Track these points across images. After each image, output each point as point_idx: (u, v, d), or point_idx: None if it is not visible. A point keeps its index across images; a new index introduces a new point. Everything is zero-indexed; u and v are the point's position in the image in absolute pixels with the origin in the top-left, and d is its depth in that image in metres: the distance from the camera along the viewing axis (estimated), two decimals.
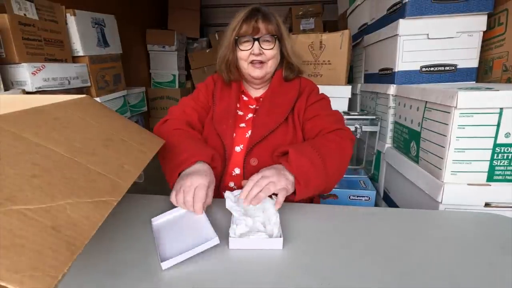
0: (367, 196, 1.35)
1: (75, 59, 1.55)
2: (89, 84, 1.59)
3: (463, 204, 0.89)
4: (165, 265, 0.47)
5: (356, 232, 0.59)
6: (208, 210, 0.63)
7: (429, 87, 1.01)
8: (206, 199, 0.61)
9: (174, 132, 0.77)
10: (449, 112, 0.87)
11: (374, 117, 1.46)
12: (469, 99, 0.82)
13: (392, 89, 1.31)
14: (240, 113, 0.84)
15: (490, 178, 0.88)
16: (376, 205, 1.42)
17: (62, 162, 0.37)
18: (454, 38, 1.18)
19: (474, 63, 1.20)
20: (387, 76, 1.37)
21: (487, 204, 0.88)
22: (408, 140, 1.17)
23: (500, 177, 0.88)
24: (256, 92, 0.89)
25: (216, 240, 0.51)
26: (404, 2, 1.17)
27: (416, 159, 1.10)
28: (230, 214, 0.60)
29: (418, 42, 1.21)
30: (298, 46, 1.41)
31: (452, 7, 1.14)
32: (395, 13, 1.26)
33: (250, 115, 0.83)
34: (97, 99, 1.62)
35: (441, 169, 0.91)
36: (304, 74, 0.92)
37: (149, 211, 0.66)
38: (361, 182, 1.44)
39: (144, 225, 0.61)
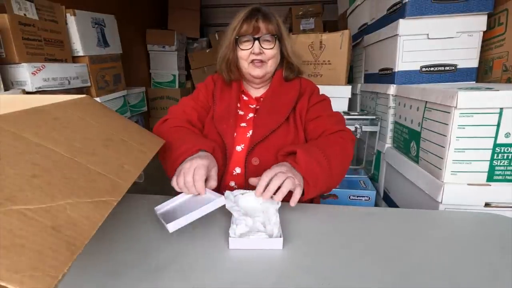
0: (367, 196, 1.36)
1: (75, 59, 1.55)
2: (89, 84, 1.59)
3: (463, 204, 0.89)
4: (171, 227, 0.47)
5: (356, 232, 0.59)
6: None
7: (429, 87, 1.01)
8: (209, 182, 0.61)
9: (174, 130, 0.77)
10: (449, 112, 0.87)
11: (374, 117, 1.46)
12: (469, 99, 0.82)
13: (392, 89, 1.31)
14: (241, 112, 0.84)
15: (490, 178, 0.88)
16: (376, 205, 1.43)
17: (62, 162, 0.37)
18: (454, 38, 1.18)
19: (474, 63, 1.20)
20: (387, 76, 1.37)
21: (487, 204, 0.88)
22: (408, 140, 1.17)
23: (500, 177, 0.88)
24: (256, 92, 0.90)
25: (222, 200, 0.50)
26: (404, 2, 1.17)
27: (416, 159, 1.10)
28: (230, 214, 0.60)
29: (418, 42, 1.21)
30: (298, 46, 1.42)
31: (452, 7, 1.14)
32: (395, 13, 1.26)
33: (251, 114, 0.84)
34: (97, 99, 1.62)
35: (441, 169, 0.91)
36: (304, 74, 0.92)
37: (149, 211, 0.66)
38: (361, 182, 1.44)
39: (144, 225, 0.61)
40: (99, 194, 0.36)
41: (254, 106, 0.86)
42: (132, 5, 2.63)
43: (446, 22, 1.16)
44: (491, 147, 0.86)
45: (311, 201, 0.84)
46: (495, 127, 0.84)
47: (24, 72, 1.22)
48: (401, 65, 1.26)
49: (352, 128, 1.38)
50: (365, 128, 1.43)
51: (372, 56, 1.61)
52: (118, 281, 0.45)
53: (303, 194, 0.63)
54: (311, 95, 0.85)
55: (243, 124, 0.81)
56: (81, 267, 0.48)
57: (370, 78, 1.66)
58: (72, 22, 1.49)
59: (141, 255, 0.51)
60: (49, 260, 0.26)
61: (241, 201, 0.63)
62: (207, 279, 0.46)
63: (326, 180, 0.66)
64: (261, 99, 0.87)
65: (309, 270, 0.48)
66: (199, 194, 0.59)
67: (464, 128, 0.85)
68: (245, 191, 0.65)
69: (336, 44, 1.51)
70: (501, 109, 0.82)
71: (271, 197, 0.63)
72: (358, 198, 1.36)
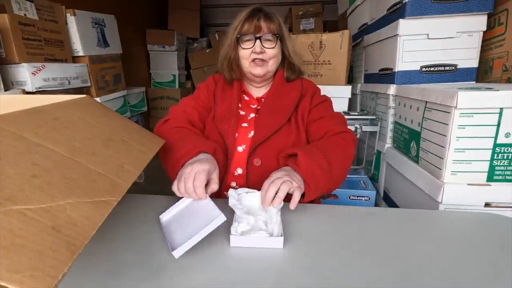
0: (367, 196, 1.36)
1: (75, 59, 1.55)
2: (89, 84, 1.59)
3: (463, 204, 0.89)
4: (176, 253, 0.48)
5: (356, 232, 0.59)
6: None
7: (429, 87, 1.01)
8: (211, 185, 0.61)
9: (175, 130, 0.77)
10: (449, 112, 0.87)
11: (374, 117, 1.46)
12: (469, 99, 0.82)
13: (392, 89, 1.31)
14: (242, 112, 0.84)
15: (490, 178, 0.88)
16: (376, 205, 1.43)
17: (62, 162, 0.37)
18: (454, 38, 1.18)
19: (474, 63, 1.20)
20: (387, 76, 1.37)
21: (487, 204, 0.88)
22: (408, 140, 1.17)
23: (500, 177, 0.88)
24: (258, 92, 0.89)
25: (222, 218, 0.50)
26: (404, 2, 1.17)
27: (416, 159, 1.10)
28: (232, 212, 0.60)
29: (418, 42, 1.21)
30: (298, 46, 1.41)
31: (452, 7, 1.14)
32: (395, 13, 1.26)
33: (252, 115, 0.84)
34: (97, 99, 1.62)
35: (441, 169, 0.91)
36: (304, 74, 0.92)
37: (149, 211, 0.66)
38: (361, 182, 1.44)
39: (144, 225, 0.61)
40: (99, 194, 0.36)
41: (255, 106, 0.86)
42: (132, 5, 2.63)
43: (446, 22, 1.16)
44: (491, 147, 0.86)
45: (311, 201, 0.84)
46: (495, 127, 0.84)
47: (24, 72, 1.22)
48: (401, 65, 1.26)
49: (352, 128, 1.38)
50: (365, 128, 1.43)
51: (372, 56, 1.61)
52: (118, 281, 0.45)
53: (303, 196, 0.63)
54: (313, 96, 0.86)
55: (245, 125, 0.81)
56: (81, 267, 0.48)
57: (370, 78, 1.66)
58: (72, 22, 1.49)
59: (141, 255, 0.51)
60: (49, 260, 0.26)
61: (244, 199, 0.64)
62: (208, 279, 0.46)
63: (327, 182, 0.67)
64: (262, 99, 0.87)
65: (309, 269, 0.48)
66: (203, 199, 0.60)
67: (464, 128, 0.85)
68: (249, 190, 0.65)
69: (336, 44, 1.51)
70: (501, 109, 0.82)
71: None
72: (358, 198, 1.36)
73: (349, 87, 1.56)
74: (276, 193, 0.58)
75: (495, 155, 0.86)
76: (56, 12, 1.41)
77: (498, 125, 0.84)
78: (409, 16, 1.17)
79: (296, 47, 0.88)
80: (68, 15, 1.48)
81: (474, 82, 1.22)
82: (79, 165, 0.38)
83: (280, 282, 0.45)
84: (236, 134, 0.79)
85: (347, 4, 2.08)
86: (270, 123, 0.79)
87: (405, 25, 1.19)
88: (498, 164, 0.87)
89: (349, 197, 1.36)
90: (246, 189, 0.66)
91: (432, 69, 1.23)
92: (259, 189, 0.64)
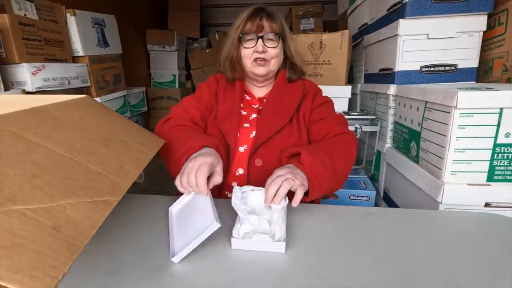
0: (367, 196, 1.36)
1: (75, 59, 1.55)
2: (89, 84, 1.59)
3: (463, 204, 0.89)
4: (175, 259, 0.49)
5: (356, 232, 0.59)
6: None
7: (429, 87, 1.01)
8: (214, 178, 0.60)
9: (176, 128, 0.77)
10: (449, 112, 0.87)
11: (374, 117, 1.46)
12: (469, 99, 0.82)
13: (392, 89, 1.31)
14: (244, 113, 0.84)
15: (490, 178, 0.88)
16: (376, 205, 1.43)
17: (62, 162, 0.37)
18: (454, 38, 1.18)
19: (474, 63, 1.20)
20: (387, 76, 1.37)
21: (487, 204, 0.88)
22: (408, 140, 1.17)
23: (500, 177, 0.88)
24: (259, 92, 0.89)
25: (215, 226, 0.50)
26: (404, 2, 1.17)
27: (416, 159, 1.10)
28: (233, 212, 0.59)
29: (418, 42, 1.21)
30: (298, 46, 1.41)
31: (452, 7, 1.14)
32: (395, 13, 1.26)
33: (254, 115, 0.84)
34: (97, 99, 1.62)
35: (441, 169, 0.91)
36: (305, 74, 0.92)
37: (149, 211, 0.67)
38: (361, 182, 1.44)
39: (144, 225, 0.61)
40: (99, 194, 0.36)
41: (257, 106, 0.86)
42: (132, 5, 2.63)
43: (446, 22, 1.16)
44: (491, 147, 0.86)
45: (312, 201, 0.84)
46: (495, 127, 0.84)
47: (24, 72, 1.22)
48: (401, 65, 1.26)
49: (352, 128, 1.38)
50: (365, 128, 1.43)
51: (372, 56, 1.61)
52: (118, 281, 0.45)
53: (307, 194, 0.63)
54: (315, 96, 0.86)
55: (246, 125, 0.81)
56: (81, 267, 0.48)
57: (370, 78, 1.66)
58: (72, 22, 1.49)
59: (141, 255, 0.51)
60: (49, 260, 0.26)
61: (249, 198, 0.62)
62: (208, 279, 0.46)
63: (330, 181, 0.66)
64: (264, 99, 0.87)
65: (309, 269, 0.48)
66: (204, 193, 0.59)
67: (464, 128, 0.85)
68: (255, 187, 0.64)
69: (336, 44, 1.51)
70: (501, 109, 0.82)
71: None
72: (358, 198, 1.36)
73: (349, 87, 1.56)
74: (277, 191, 0.58)
75: (495, 155, 0.86)
76: (56, 12, 1.41)
77: (498, 125, 0.84)
78: (409, 16, 1.17)
79: (298, 47, 0.88)
80: (68, 15, 1.48)
81: (474, 82, 1.22)
82: (79, 165, 0.38)
83: (280, 282, 0.45)
84: (238, 134, 0.79)
85: (347, 4, 2.08)
86: (272, 123, 0.79)
87: (405, 25, 1.19)
88: (498, 164, 0.87)
89: (349, 197, 1.36)
90: (252, 187, 0.65)
91: (432, 69, 1.23)
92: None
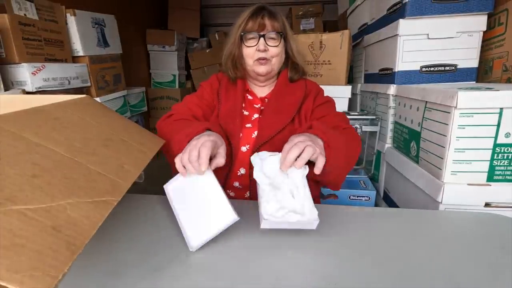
0: (367, 196, 1.35)
1: (75, 59, 1.55)
2: (89, 84, 1.59)
3: (463, 204, 0.88)
4: (193, 248, 0.51)
5: (356, 232, 0.59)
6: None
7: (429, 87, 1.01)
8: (217, 159, 0.58)
9: (178, 121, 0.77)
10: (449, 112, 0.87)
11: (374, 117, 1.46)
12: (469, 99, 0.82)
13: (392, 89, 1.31)
14: (246, 113, 0.84)
15: (490, 178, 0.88)
16: (376, 205, 1.42)
17: (62, 162, 0.37)
18: (454, 38, 1.18)
19: (474, 63, 1.20)
20: (387, 76, 1.37)
21: (487, 204, 0.88)
22: (408, 140, 1.17)
23: (500, 177, 0.88)
24: (261, 91, 0.89)
25: (234, 218, 0.52)
26: (404, 2, 1.17)
27: (416, 159, 1.10)
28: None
29: (418, 42, 1.21)
30: (300, 45, 1.41)
31: (452, 7, 1.14)
32: (395, 13, 1.26)
33: (256, 115, 0.84)
34: (97, 99, 1.62)
35: (441, 169, 0.91)
36: (307, 74, 0.92)
37: (149, 211, 0.67)
38: (361, 182, 1.44)
39: (144, 225, 0.61)
40: (99, 194, 0.36)
41: (259, 106, 0.86)
42: (132, 5, 2.63)
43: (446, 22, 1.16)
44: (491, 147, 0.86)
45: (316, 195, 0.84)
46: (495, 127, 0.84)
47: (24, 72, 1.22)
48: (401, 65, 1.25)
49: None
50: (365, 128, 1.43)
51: (372, 56, 1.61)
52: (118, 281, 0.45)
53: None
54: (316, 96, 0.85)
55: (248, 125, 0.81)
56: (81, 267, 0.48)
57: (370, 78, 1.66)
58: (72, 22, 1.49)
59: (141, 255, 0.51)
60: (49, 260, 0.26)
61: (265, 164, 0.58)
62: (207, 279, 0.46)
63: (344, 149, 0.64)
64: (266, 99, 0.87)
65: (309, 270, 0.48)
66: (204, 166, 0.56)
67: (464, 128, 0.85)
68: (273, 152, 0.61)
69: (336, 44, 1.51)
70: (501, 109, 0.82)
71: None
72: (358, 198, 1.36)
73: (349, 87, 1.55)
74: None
75: (495, 155, 0.86)
76: (56, 12, 1.41)
77: (498, 125, 0.84)
78: (409, 16, 1.17)
79: (300, 46, 0.88)
80: (68, 15, 1.48)
81: (474, 82, 1.22)
82: (79, 165, 0.38)
83: (280, 282, 0.45)
84: (241, 134, 0.79)
85: (347, 4, 2.08)
86: (274, 123, 0.79)
87: (405, 25, 1.19)
88: (498, 164, 0.87)
89: (349, 197, 1.36)
90: (270, 152, 0.61)
91: (432, 69, 1.23)
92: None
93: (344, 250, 0.53)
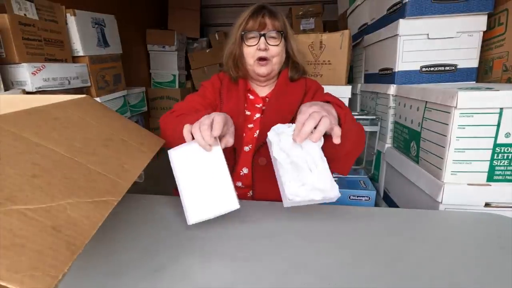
0: (367, 196, 1.35)
1: (75, 59, 1.55)
2: (89, 84, 1.59)
3: (463, 204, 0.88)
4: (190, 221, 0.53)
5: (356, 232, 0.59)
6: None
7: (429, 87, 1.01)
8: (226, 138, 0.58)
9: (182, 116, 0.76)
10: (449, 112, 0.87)
11: (374, 117, 1.46)
12: (469, 99, 0.82)
13: (392, 89, 1.31)
14: (248, 113, 0.84)
15: (490, 178, 0.88)
16: (376, 205, 1.42)
17: (62, 162, 0.37)
18: (454, 38, 1.17)
19: (474, 63, 1.20)
20: (387, 76, 1.37)
21: (487, 204, 0.88)
22: (408, 140, 1.17)
23: (500, 177, 0.88)
24: (262, 91, 0.90)
25: (234, 205, 0.53)
26: (404, 2, 1.17)
27: (416, 159, 1.10)
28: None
29: (418, 42, 1.21)
30: (300, 45, 1.42)
31: (452, 7, 1.13)
32: (395, 13, 1.26)
33: (258, 115, 0.84)
34: (97, 99, 1.62)
35: (441, 169, 0.91)
36: (307, 74, 0.93)
37: (149, 211, 0.66)
38: (361, 182, 1.44)
39: (144, 225, 0.61)
40: (99, 194, 0.36)
41: (260, 105, 0.86)
42: (132, 5, 2.63)
43: (446, 22, 1.16)
44: (491, 147, 0.86)
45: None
46: (495, 127, 0.84)
47: (24, 72, 1.22)
48: (401, 65, 1.25)
49: None
50: (365, 128, 1.43)
51: (372, 56, 1.61)
52: (118, 281, 0.45)
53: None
54: (315, 92, 0.86)
55: (251, 125, 0.82)
56: (81, 267, 0.48)
57: (370, 78, 1.66)
58: (72, 22, 1.49)
59: (141, 255, 0.51)
60: (49, 260, 0.26)
61: (283, 138, 0.56)
62: (207, 279, 0.46)
63: (356, 126, 0.63)
64: (267, 98, 0.87)
65: (309, 270, 0.48)
66: (217, 133, 0.54)
67: (464, 128, 0.85)
68: (288, 124, 0.58)
69: (336, 44, 1.51)
70: (501, 109, 0.82)
71: None
72: (358, 198, 1.36)
73: (349, 87, 1.55)
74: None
75: (495, 155, 0.86)
76: (56, 12, 1.41)
77: (498, 125, 0.84)
78: (409, 16, 1.17)
79: (300, 46, 0.88)
80: (68, 15, 1.48)
81: (474, 82, 1.22)
82: (79, 165, 0.38)
83: (280, 282, 0.45)
84: (244, 135, 0.79)
85: (347, 4, 2.08)
86: (275, 123, 0.78)
87: (405, 25, 1.19)
88: (498, 164, 0.87)
89: (349, 197, 1.36)
90: (287, 124, 0.58)
91: (432, 69, 1.23)
92: (264, 191, 0.63)
93: (344, 250, 0.53)
